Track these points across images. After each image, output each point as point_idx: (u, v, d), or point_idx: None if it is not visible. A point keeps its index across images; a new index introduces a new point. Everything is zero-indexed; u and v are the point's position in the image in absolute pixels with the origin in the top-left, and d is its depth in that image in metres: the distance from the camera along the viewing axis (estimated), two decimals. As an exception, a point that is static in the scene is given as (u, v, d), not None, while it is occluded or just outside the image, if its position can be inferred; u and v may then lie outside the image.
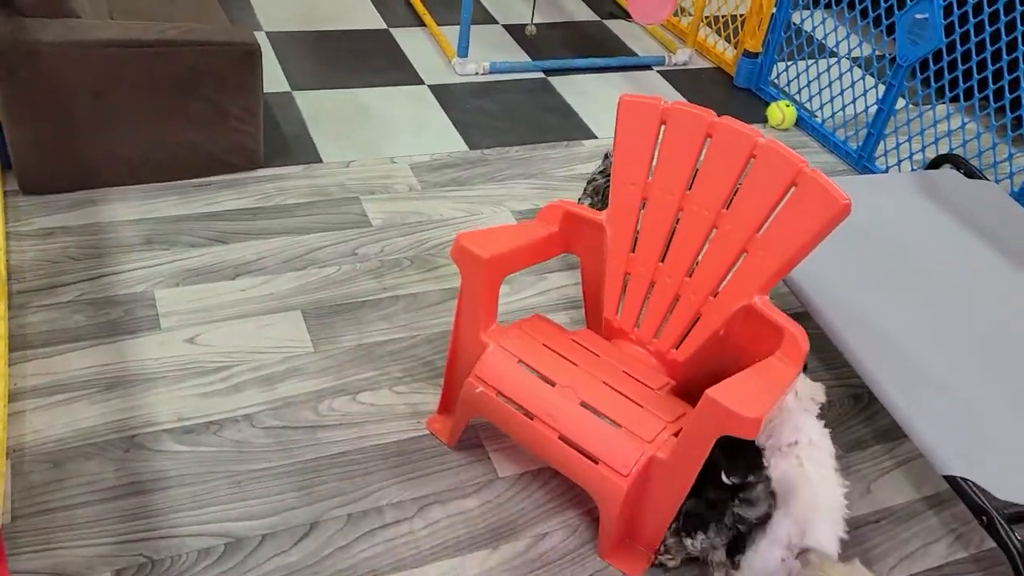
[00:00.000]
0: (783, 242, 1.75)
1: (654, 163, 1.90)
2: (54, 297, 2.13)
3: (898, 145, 3.04)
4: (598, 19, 4.09)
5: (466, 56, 3.41)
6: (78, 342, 2.03)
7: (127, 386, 1.94)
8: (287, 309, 2.22)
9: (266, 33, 3.48)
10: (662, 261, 1.93)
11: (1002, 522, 1.58)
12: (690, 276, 1.90)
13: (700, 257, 1.88)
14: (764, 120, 3.40)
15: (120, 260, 2.27)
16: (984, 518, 1.60)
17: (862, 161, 3.15)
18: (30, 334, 2.03)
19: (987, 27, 2.75)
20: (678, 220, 1.90)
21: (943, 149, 2.96)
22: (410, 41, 3.62)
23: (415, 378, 2.09)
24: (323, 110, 3.05)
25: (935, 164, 2.72)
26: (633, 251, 1.95)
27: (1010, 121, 2.77)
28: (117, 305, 2.14)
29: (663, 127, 1.88)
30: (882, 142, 3.09)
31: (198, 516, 1.72)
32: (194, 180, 2.60)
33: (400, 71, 3.39)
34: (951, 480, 1.66)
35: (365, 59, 3.43)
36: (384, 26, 3.71)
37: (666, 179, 1.89)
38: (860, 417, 2.19)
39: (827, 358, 2.33)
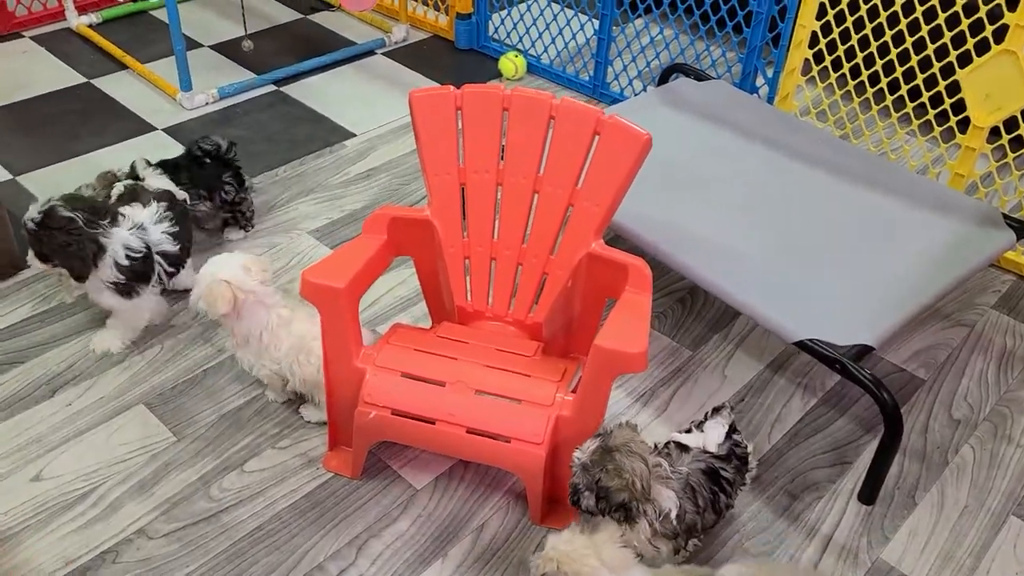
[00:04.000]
0: (603, 187, 1.88)
1: (460, 148, 1.96)
2: None
3: (625, 67, 3.31)
4: (302, 16, 4.01)
5: (190, 89, 3.23)
6: (-94, 528, 1.76)
7: (-11, 552, 1.73)
8: (128, 407, 2.05)
9: (-47, 121, 3.08)
10: (495, 238, 2.01)
11: (852, 364, 1.85)
12: (526, 243, 2.00)
13: (530, 223, 1.98)
14: (499, 75, 3.54)
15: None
16: (837, 366, 1.87)
17: (598, 90, 3.39)
18: None
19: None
20: (499, 195, 1.98)
21: (664, 62, 3.27)
22: (119, 88, 3.35)
23: (293, 428, 2.03)
24: (61, 187, 2.76)
25: (666, 76, 3.01)
26: (465, 235, 2.01)
27: (715, 24, 3.11)
28: (-70, 471, 1.88)
29: (459, 112, 1.93)
30: (610, 68, 3.35)
31: (137, 652, 1.59)
32: (-49, 306, 2.29)
33: (125, 122, 3.15)
34: (801, 344, 1.92)
35: (81, 120, 3.14)
36: (83, 79, 3.40)
37: (477, 160, 1.95)
38: (691, 316, 2.43)
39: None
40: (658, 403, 2.16)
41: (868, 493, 1.96)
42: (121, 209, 2.13)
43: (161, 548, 1.76)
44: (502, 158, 1.94)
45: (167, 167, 2.40)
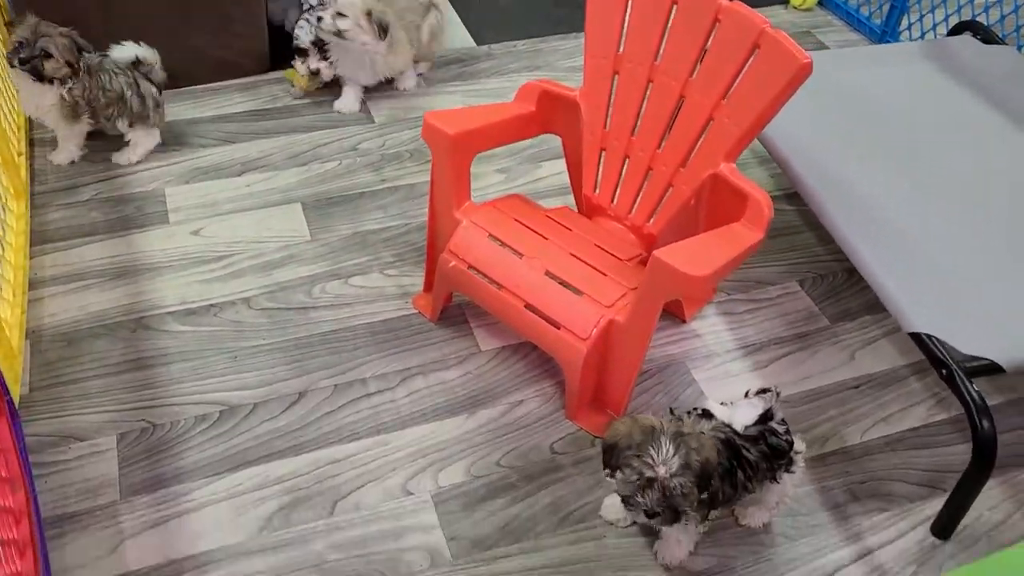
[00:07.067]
0: (746, 107, 1.73)
1: (623, 35, 1.90)
2: (73, 196, 2.29)
3: (921, 17, 2.92)
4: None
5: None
6: (93, 236, 2.18)
7: (136, 274, 2.09)
8: (288, 202, 2.32)
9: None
10: (634, 135, 1.94)
11: (961, 375, 1.57)
12: (660, 148, 1.91)
13: (671, 128, 1.89)
14: (786, 1, 3.29)
15: (135, 162, 2.41)
16: (944, 371, 1.60)
17: (886, 37, 3.03)
18: (50, 230, 2.19)
19: None
20: (648, 92, 1.90)
21: (967, 17, 2.82)
22: None
23: (405, 262, 2.18)
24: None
25: (955, 32, 2.61)
26: (607, 126, 1.97)
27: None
28: (130, 202, 2.28)
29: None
30: (905, 15, 2.97)
31: (197, 387, 1.86)
32: (209, 85, 2.70)
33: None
34: (915, 336, 1.66)
35: None
36: None
37: (635, 51, 1.88)
38: (853, 290, 2.18)
39: (825, 234, 2.31)
40: (761, 358, 2.00)
41: (943, 525, 1.69)
42: None
43: (254, 318, 2.01)
44: (659, 55, 1.86)
45: None
